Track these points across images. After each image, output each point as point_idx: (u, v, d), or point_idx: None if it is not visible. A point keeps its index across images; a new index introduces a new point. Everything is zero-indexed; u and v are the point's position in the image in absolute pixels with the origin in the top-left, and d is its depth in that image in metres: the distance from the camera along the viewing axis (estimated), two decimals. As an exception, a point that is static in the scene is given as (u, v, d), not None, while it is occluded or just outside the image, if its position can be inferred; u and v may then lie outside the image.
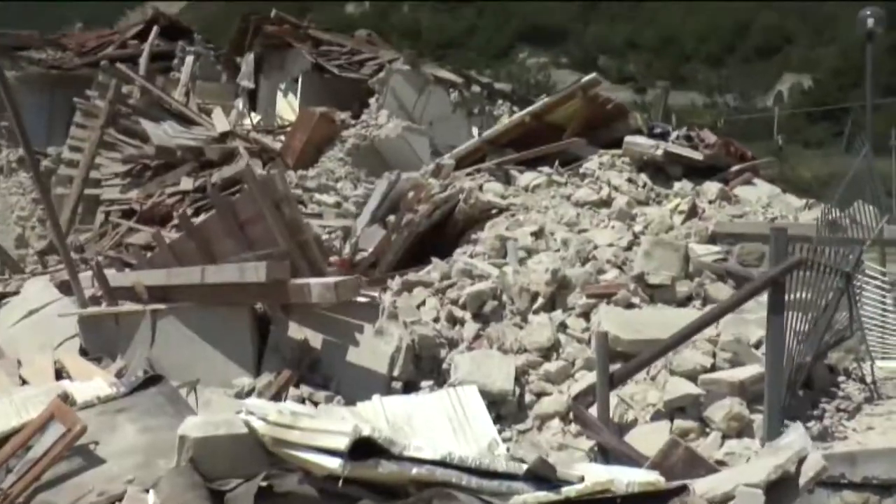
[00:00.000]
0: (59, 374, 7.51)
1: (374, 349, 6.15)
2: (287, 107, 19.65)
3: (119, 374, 7.64)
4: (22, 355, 9.10)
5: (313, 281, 5.79)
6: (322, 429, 3.81)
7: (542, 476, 3.74)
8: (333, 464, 3.62)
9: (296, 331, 6.73)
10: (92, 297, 10.23)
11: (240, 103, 20.42)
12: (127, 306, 7.93)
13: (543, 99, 11.78)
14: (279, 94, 20.07)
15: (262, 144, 16.51)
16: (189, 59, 20.23)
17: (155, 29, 20.83)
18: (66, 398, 5.41)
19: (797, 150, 41.26)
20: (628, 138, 10.42)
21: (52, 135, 22.96)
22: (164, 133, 16.62)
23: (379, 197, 9.95)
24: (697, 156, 10.04)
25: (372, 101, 17.01)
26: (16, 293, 11.05)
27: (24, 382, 7.39)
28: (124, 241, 13.06)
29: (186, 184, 14.81)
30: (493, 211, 9.62)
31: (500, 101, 19.24)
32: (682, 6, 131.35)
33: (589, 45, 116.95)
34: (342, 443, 3.63)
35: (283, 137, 17.28)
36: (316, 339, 6.57)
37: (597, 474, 4.00)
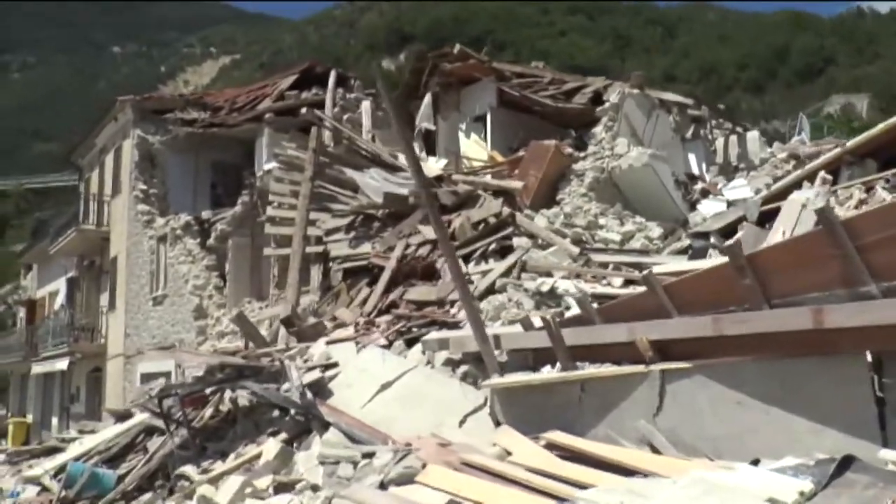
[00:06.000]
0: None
1: None
2: (474, 146, 18.15)
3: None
4: (400, 433, 7.47)
5: None
6: None
7: None
8: None
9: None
10: (447, 361, 8.61)
11: (416, 147, 18.95)
12: (627, 368, 6.21)
13: None
14: (461, 135, 18.57)
15: (483, 184, 14.93)
16: (366, 104, 18.85)
17: (333, 74, 19.48)
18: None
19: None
20: None
21: (197, 198, 21.74)
22: (373, 181, 15.13)
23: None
24: None
25: (598, 129, 15.43)
26: (333, 365, 9.43)
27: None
28: (404, 299, 11.40)
29: (430, 231, 13.19)
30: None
31: (713, 123, 17.68)
32: (715, 37, 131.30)
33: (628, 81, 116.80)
34: None
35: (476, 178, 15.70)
36: None
37: None
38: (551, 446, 5.98)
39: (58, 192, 67.30)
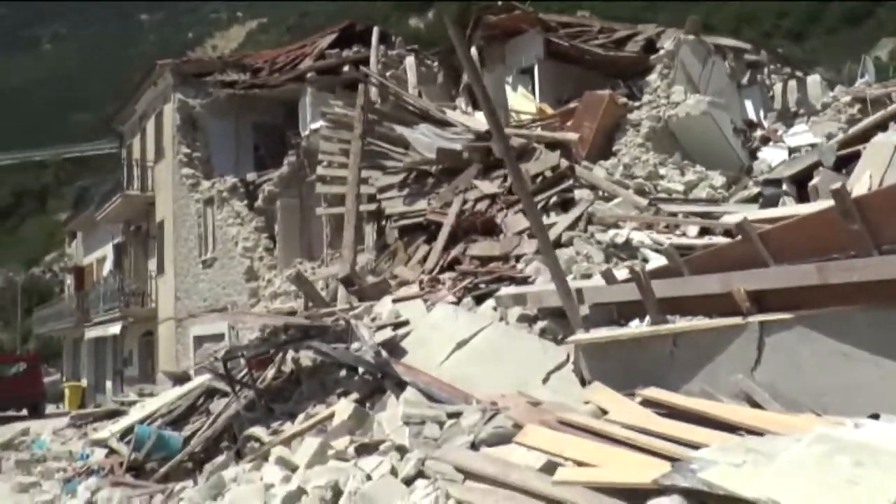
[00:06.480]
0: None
1: None
2: (522, 99, 17.80)
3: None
4: (482, 392, 7.30)
5: None
6: None
7: None
8: None
9: None
10: (521, 317, 8.43)
11: (462, 102, 18.66)
12: (723, 320, 5.97)
13: None
14: (507, 88, 18.21)
15: (536, 137, 14.61)
16: (410, 59, 18.53)
17: (376, 31, 19.15)
18: None
19: None
20: None
21: (240, 160, 21.66)
22: (424, 137, 14.91)
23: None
24: None
25: (652, 77, 15.02)
26: (403, 323, 9.28)
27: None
28: (467, 255, 11.21)
29: (487, 186, 12.99)
30: None
31: (770, 68, 17.12)
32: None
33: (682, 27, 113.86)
34: None
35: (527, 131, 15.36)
36: None
37: None
38: (648, 403, 5.78)
39: (95, 160, 67.92)
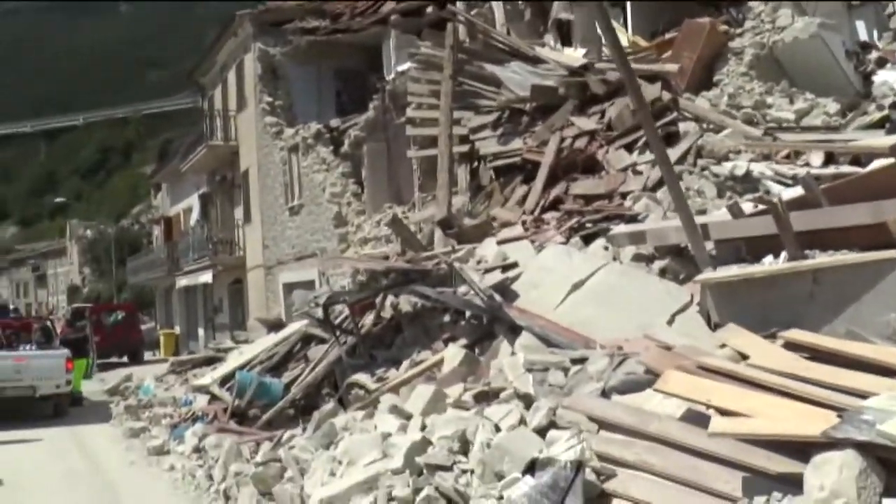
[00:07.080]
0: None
1: None
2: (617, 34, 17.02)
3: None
4: (603, 336, 6.96)
5: None
6: None
7: None
8: None
9: None
10: (635, 256, 8.05)
11: (550, 39, 17.99)
12: (874, 254, 5.49)
13: None
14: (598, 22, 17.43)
15: (634, 70, 13.94)
16: (499, -3, 17.96)
17: (462, -25, 18.57)
18: None
19: None
20: None
21: (322, 107, 21.49)
22: (516, 75, 14.42)
23: None
24: None
25: (755, 2, 14.13)
26: (512, 265, 8.95)
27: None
28: (570, 194, 10.82)
29: (585, 122, 12.50)
30: None
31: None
32: None
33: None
34: None
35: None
36: None
37: None
38: (791, 346, 5.37)
39: (175, 115, 69.22)
